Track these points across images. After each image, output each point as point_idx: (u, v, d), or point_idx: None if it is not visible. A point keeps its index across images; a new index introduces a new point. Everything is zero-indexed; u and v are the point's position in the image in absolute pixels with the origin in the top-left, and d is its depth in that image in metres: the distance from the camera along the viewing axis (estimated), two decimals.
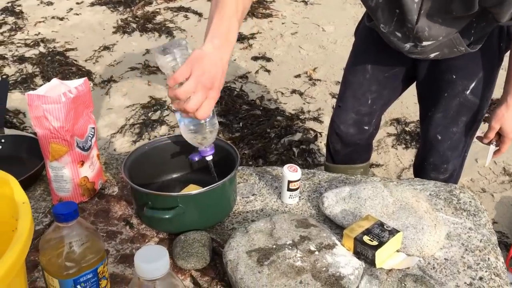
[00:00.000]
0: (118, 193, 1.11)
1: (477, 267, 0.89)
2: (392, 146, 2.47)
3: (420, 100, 1.54)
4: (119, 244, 0.97)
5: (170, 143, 1.11)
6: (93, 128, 1.10)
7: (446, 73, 1.38)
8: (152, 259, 0.59)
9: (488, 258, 0.91)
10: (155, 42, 3.58)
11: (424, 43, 1.24)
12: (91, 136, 1.09)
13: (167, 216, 0.92)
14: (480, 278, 0.86)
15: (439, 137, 1.47)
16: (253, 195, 1.11)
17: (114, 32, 3.74)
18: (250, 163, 2.33)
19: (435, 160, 1.52)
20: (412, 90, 1.57)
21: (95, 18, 4.00)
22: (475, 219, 1.00)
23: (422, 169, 1.57)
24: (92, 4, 4.22)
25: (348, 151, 1.66)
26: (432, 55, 1.32)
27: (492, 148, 1.35)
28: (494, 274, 0.88)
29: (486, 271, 0.88)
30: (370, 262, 0.86)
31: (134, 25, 3.84)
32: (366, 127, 1.59)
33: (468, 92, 1.37)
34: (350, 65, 1.57)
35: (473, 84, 1.36)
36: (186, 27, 3.82)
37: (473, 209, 1.03)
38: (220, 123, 2.64)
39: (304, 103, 2.84)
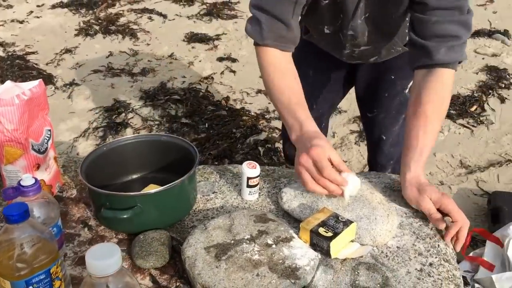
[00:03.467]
0: (77, 195, 1.11)
1: (427, 253, 0.92)
2: (355, 143, 2.52)
3: (360, 101, 1.58)
4: (76, 247, 0.96)
5: (129, 144, 1.11)
6: (49, 130, 1.09)
7: (386, 74, 1.43)
8: (103, 256, 0.59)
9: (438, 245, 0.95)
10: (119, 44, 3.54)
11: (362, 48, 1.28)
12: (47, 138, 1.07)
13: (125, 216, 0.92)
14: (430, 264, 0.90)
15: (384, 137, 1.53)
16: (213, 193, 1.12)
17: (76, 35, 3.68)
18: (216, 163, 2.34)
19: (381, 160, 1.59)
20: None
21: (56, 20, 3.92)
22: None
23: (373, 169, 1.65)
24: (53, 7, 4.14)
25: None
26: (371, 59, 1.37)
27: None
28: (444, 260, 0.92)
29: (436, 257, 0.92)
30: (326, 253, 0.88)
31: (97, 27, 3.79)
32: None
33: (407, 90, 1.42)
34: None
35: (410, 83, 1.40)
36: (150, 28, 3.79)
37: None
38: (185, 124, 2.65)
39: (269, 103, 2.87)
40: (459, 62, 1.06)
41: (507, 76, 3.15)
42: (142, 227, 0.96)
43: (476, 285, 1.57)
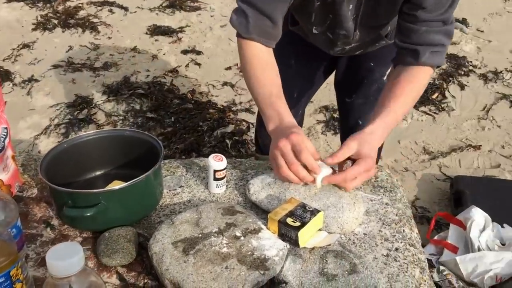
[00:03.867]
0: (38, 194, 1.07)
1: (393, 239, 0.94)
2: (322, 133, 2.55)
3: (339, 87, 1.61)
4: (39, 247, 0.93)
5: (91, 140, 1.08)
6: (6, 128, 1.04)
7: (365, 62, 1.46)
8: (64, 256, 0.57)
9: (403, 230, 0.97)
10: (79, 38, 3.44)
11: (353, 45, 1.32)
12: (4, 137, 1.03)
13: (88, 214, 0.89)
14: (396, 249, 0.92)
15: (360, 122, 1.55)
16: (180, 187, 1.10)
17: (34, 29, 3.56)
18: (184, 157, 2.31)
19: None
20: None
21: (13, 15, 3.77)
22: (391, 195, 1.06)
23: None
24: (9, 0, 3.98)
25: None
26: (357, 52, 1.40)
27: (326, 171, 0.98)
28: (409, 244, 0.94)
29: (401, 242, 0.94)
30: (294, 243, 0.88)
31: (55, 21, 3.67)
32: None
33: (385, 77, 1.46)
34: None
35: (389, 70, 1.44)
36: (111, 21, 3.70)
37: (389, 186, 1.09)
38: (151, 118, 2.61)
39: (235, 95, 2.86)
40: (438, 66, 1.15)
41: (466, 64, 3.24)
42: (107, 224, 0.94)
43: (441, 267, 1.61)
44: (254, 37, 1.12)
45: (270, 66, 1.15)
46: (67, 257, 0.57)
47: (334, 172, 1.00)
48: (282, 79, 1.56)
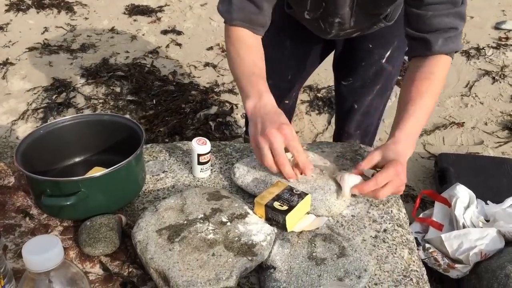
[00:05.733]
0: (15, 183, 1.03)
1: (381, 220, 0.93)
2: (306, 113, 2.53)
3: (336, 69, 1.57)
4: (18, 238, 0.89)
5: (68, 125, 1.04)
6: None
7: (363, 44, 1.42)
8: (41, 250, 0.54)
9: (391, 211, 0.96)
10: (54, 19, 3.33)
11: (348, 30, 1.28)
12: None
13: (68, 203, 0.86)
14: (384, 230, 0.91)
15: (356, 106, 1.53)
16: (163, 172, 1.07)
17: (7, 11, 3.43)
18: (167, 140, 2.27)
19: (349, 128, 1.59)
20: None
21: None
22: None
23: (339, 138, 1.64)
24: None
25: None
26: (354, 35, 1.36)
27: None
28: (397, 225, 0.93)
29: (389, 223, 0.93)
30: (282, 227, 0.87)
31: (29, 2, 3.54)
32: (287, 101, 1.61)
33: (383, 60, 1.43)
34: (267, 41, 1.56)
35: (388, 53, 1.41)
36: (87, 1, 3.59)
37: None
38: (132, 101, 2.55)
39: (218, 76, 2.81)
40: (456, 51, 1.07)
41: None
42: (89, 213, 0.91)
43: (427, 245, 1.62)
44: (238, 23, 1.09)
45: (254, 49, 1.11)
46: (44, 251, 0.54)
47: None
48: (277, 60, 1.52)
